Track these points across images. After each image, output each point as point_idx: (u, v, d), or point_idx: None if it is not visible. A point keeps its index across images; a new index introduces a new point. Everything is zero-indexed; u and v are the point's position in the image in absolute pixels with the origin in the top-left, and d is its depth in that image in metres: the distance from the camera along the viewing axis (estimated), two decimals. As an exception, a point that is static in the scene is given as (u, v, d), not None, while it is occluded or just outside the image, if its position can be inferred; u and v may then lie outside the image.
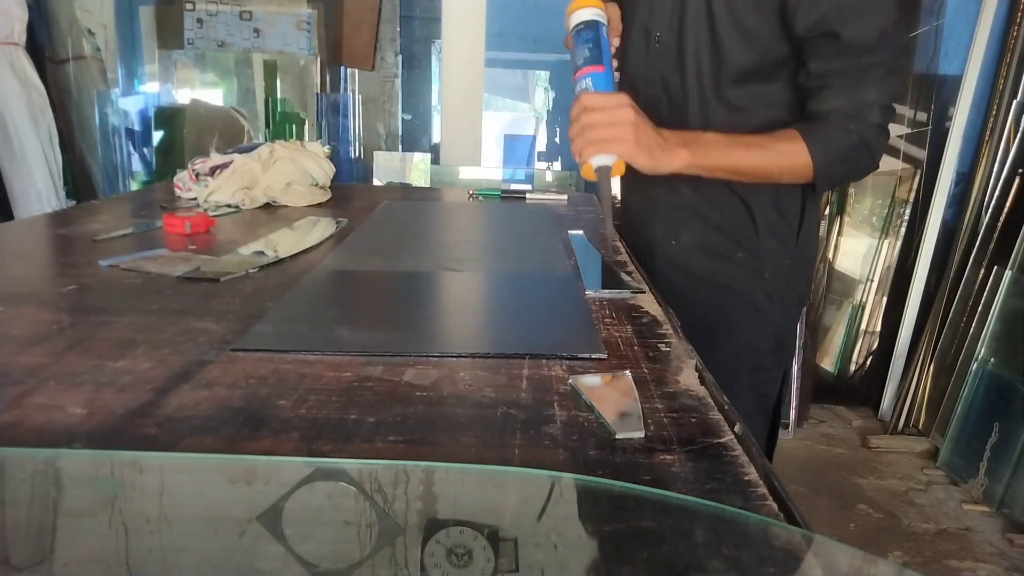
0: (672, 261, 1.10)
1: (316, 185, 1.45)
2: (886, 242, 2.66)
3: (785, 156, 0.94)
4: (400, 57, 2.88)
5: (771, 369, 1.11)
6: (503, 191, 1.63)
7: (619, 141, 0.87)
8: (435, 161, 2.73)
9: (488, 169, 2.72)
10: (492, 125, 2.90)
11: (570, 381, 0.57)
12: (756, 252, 1.05)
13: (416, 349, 0.63)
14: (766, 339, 1.08)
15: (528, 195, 1.59)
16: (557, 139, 3.55)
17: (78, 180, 2.86)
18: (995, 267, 2.31)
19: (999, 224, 2.36)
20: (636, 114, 0.87)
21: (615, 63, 1.00)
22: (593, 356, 0.63)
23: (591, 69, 0.90)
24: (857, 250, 2.73)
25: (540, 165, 3.05)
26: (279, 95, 2.86)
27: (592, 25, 0.92)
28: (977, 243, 2.41)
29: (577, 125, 0.89)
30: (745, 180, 0.99)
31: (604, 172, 0.88)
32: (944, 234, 2.55)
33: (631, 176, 1.08)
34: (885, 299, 2.68)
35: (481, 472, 0.45)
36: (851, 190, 2.71)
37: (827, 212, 2.70)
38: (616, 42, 1.06)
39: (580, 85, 0.91)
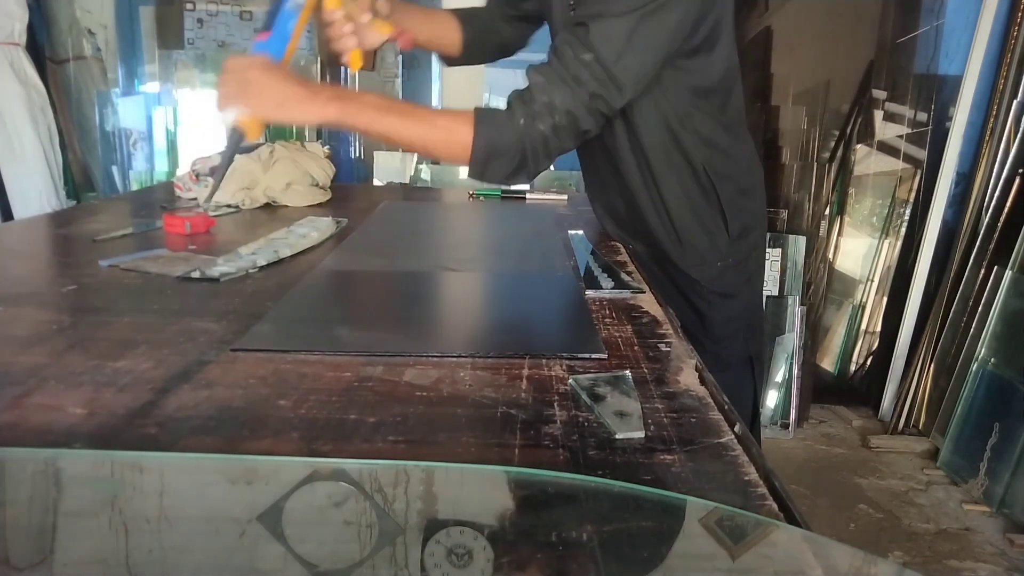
0: (641, 265, 1.11)
1: (316, 185, 1.44)
2: (886, 242, 2.66)
3: (441, 131, 0.91)
4: (400, 57, 2.88)
5: (735, 360, 1.12)
6: (503, 191, 1.63)
7: (240, 96, 0.89)
8: (435, 161, 2.73)
9: (488, 169, 2.71)
10: (492, 125, 2.90)
11: (570, 381, 0.57)
12: (681, 259, 1.06)
13: (416, 349, 0.63)
14: (717, 335, 1.09)
15: (528, 195, 1.59)
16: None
17: (78, 180, 2.85)
18: (995, 267, 2.31)
19: (999, 224, 2.36)
20: (264, 73, 0.89)
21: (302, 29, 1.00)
22: (593, 356, 0.63)
23: (259, 36, 0.96)
24: (857, 250, 2.72)
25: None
26: (279, 95, 2.85)
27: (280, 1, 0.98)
28: (977, 243, 2.41)
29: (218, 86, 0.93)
30: (404, 148, 1.00)
31: (233, 130, 0.91)
32: (944, 234, 2.54)
33: (591, 187, 1.17)
34: (885, 299, 2.68)
35: (481, 472, 0.45)
36: (851, 190, 2.71)
37: (827, 212, 2.70)
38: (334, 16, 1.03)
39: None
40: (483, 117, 0.90)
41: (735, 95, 1.05)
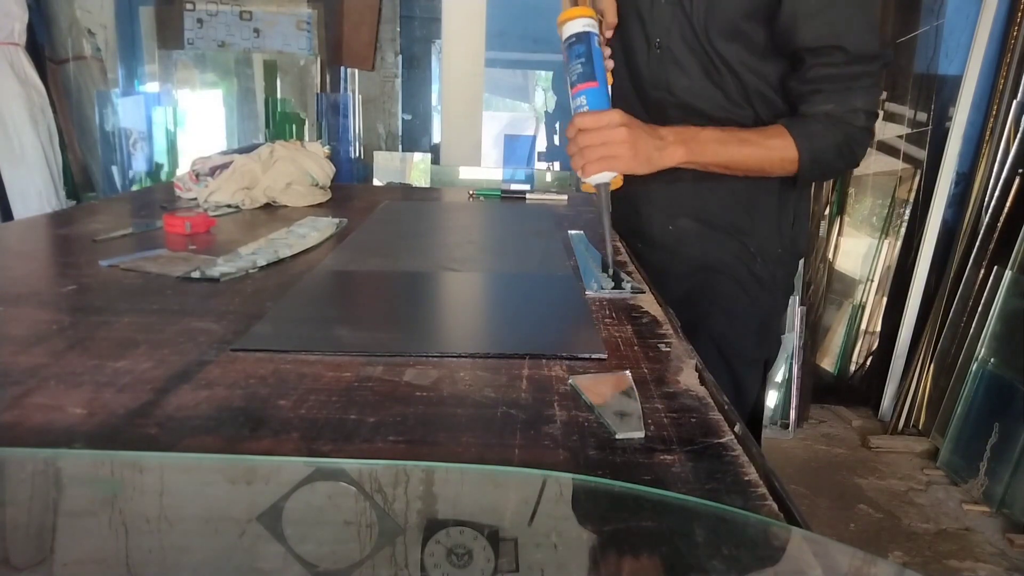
0: (666, 246, 1.15)
1: (316, 185, 1.44)
2: (886, 242, 2.66)
3: (774, 151, 1.00)
4: (400, 57, 2.87)
5: (751, 358, 1.15)
6: (503, 191, 1.63)
7: (616, 158, 0.92)
8: (435, 161, 2.73)
9: (488, 169, 2.71)
10: (492, 125, 2.89)
11: (570, 381, 0.57)
12: (751, 237, 1.10)
13: (416, 349, 0.63)
14: (751, 323, 1.13)
15: (528, 195, 1.59)
16: (556, 140, 3.55)
17: (78, 180, 2.85)
18: (995, 267, 2.31)
19: (999, 224, 2.36)
20: (630, 130, 0.92)
21: (610, 64, 1.03)
22: (593, 356, 0.63)
23: (585, 86, 0.93)
24: (857, 250, 2.73)
25: (540, 165, 3.05)
26: (279, 95, 2.86)
27: (584, 37, 0.92)
28: (977, 243, 2.41)
29: (574, 145, 0.94)
30: (736, 173, 1.04)
31: (603, 188, 0.93)
32: (944, 234, 2.55)
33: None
34: (885, 299, 2.68)
35: (481, 472, 0.45)
36: (851, 190, 2.71)
37: (827, 212, 2.70)
38: (609, 34, 1.09)
39: (575, 102, 0.95)
40: (802, 132, 0.99)
41: None
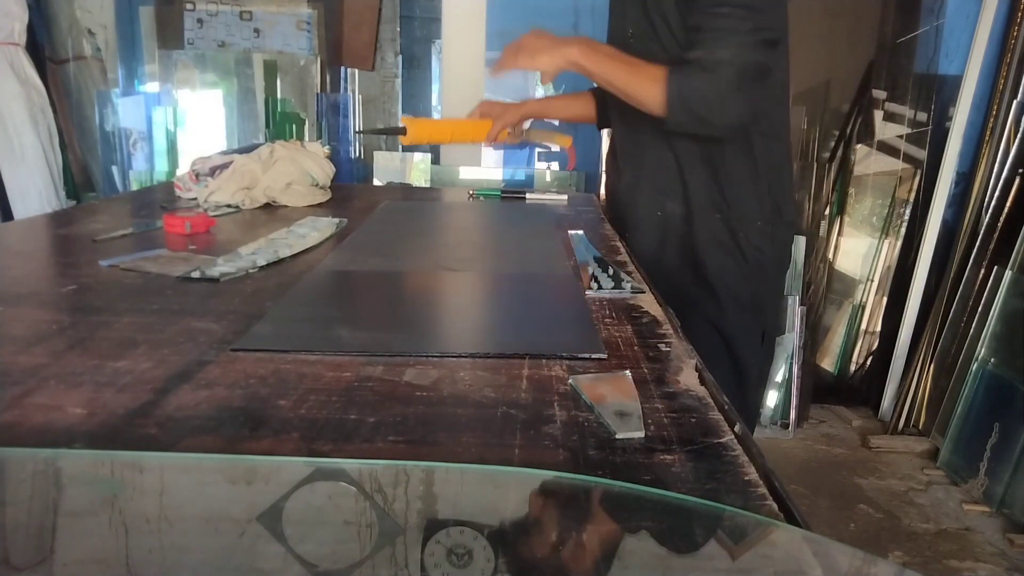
0: (657, 232, 1.23)
1: (316, 185, 1.44)
2: (886, 242, 2.66)
3: (647, 80, 1.10)
4: (400, 57, 2.87)
5: (748, 332, 1.19)
6: (503, 191, 1.63)
7: (509, 57, 1.18)
8: (435, 161, 2.73)
9: (488, 169, 2.71)
10: (492, 125, 2.89)
11: (570, 381, 0.57)
12: (730, 210, 1.16)
13: (416, 349, 0.63)
14: (742, 298, 1.18)
15: (528, 195, 1.59)
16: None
17: (78, 180, 2.85)
18: (995, 267, 2.31)
19: (999, 224, 2.36)
20: (532, 35, 1.19)
21: None
22: (593, 356, 0.63)
23: None
24: (857, 250, 2.72)
25: (540, 165, 3.05)
26: (279, 95, 2.86)
27: None
28: (977, 243, 2.41)
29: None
30: (616, 93, 1.15)
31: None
32: (944, 234, 2.54)
33: (617, 160, 1.32)
34: (885, 299, 2.68)
35: (481, 472, 0.45)
36: (851, 190, 2.71)
37: (827, 212, 2.70)
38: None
39: None
40: (672, 70, 1.08)
41: (784, 92, 1.23)
